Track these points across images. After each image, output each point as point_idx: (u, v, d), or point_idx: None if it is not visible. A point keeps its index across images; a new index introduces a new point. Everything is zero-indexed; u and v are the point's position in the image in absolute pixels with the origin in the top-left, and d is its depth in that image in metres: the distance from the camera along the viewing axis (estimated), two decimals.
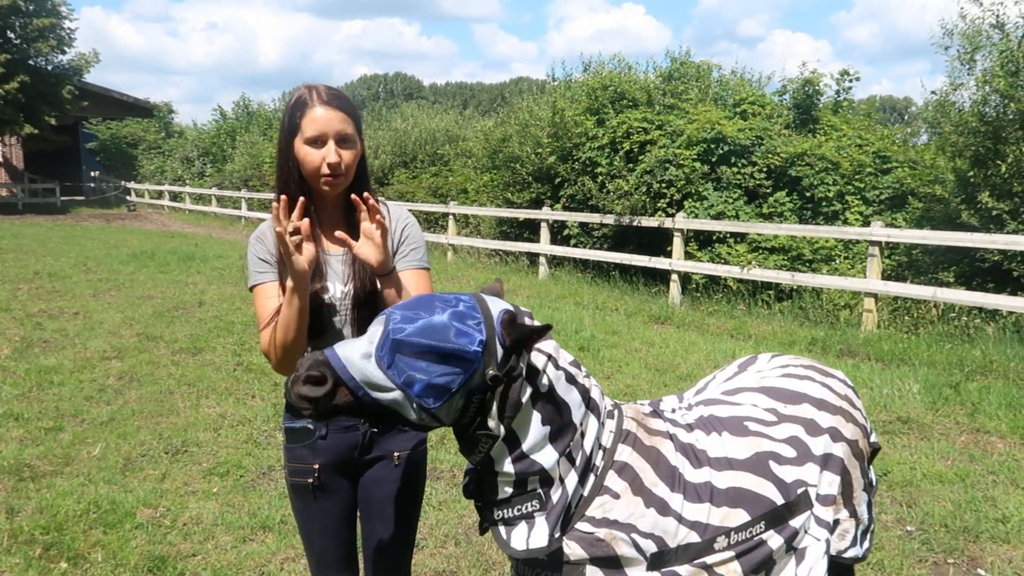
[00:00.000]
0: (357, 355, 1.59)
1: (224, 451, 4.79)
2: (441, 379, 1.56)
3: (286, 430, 2.12)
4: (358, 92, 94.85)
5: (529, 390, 1.67)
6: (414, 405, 1.59)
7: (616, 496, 1.75)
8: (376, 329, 1.63)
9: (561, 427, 1.72)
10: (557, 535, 1.71)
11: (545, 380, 1.69)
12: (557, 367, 1.72)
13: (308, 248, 1.86)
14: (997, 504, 4.13)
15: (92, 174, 35.86)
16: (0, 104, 25.61)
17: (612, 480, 1.77)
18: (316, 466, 2.09)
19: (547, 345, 1.72)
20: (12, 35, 26.97)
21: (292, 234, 1.84)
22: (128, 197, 32.48)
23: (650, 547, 1.75)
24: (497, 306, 1.68)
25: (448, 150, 19.83)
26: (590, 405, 1.78)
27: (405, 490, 2.20)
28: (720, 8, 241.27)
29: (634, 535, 1.73)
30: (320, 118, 1.91)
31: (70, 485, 4.24)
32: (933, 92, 10.37)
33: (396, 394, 1.58)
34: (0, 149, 33.57)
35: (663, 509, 1.77)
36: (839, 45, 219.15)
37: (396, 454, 2.17)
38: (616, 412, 1.88)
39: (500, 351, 1.61)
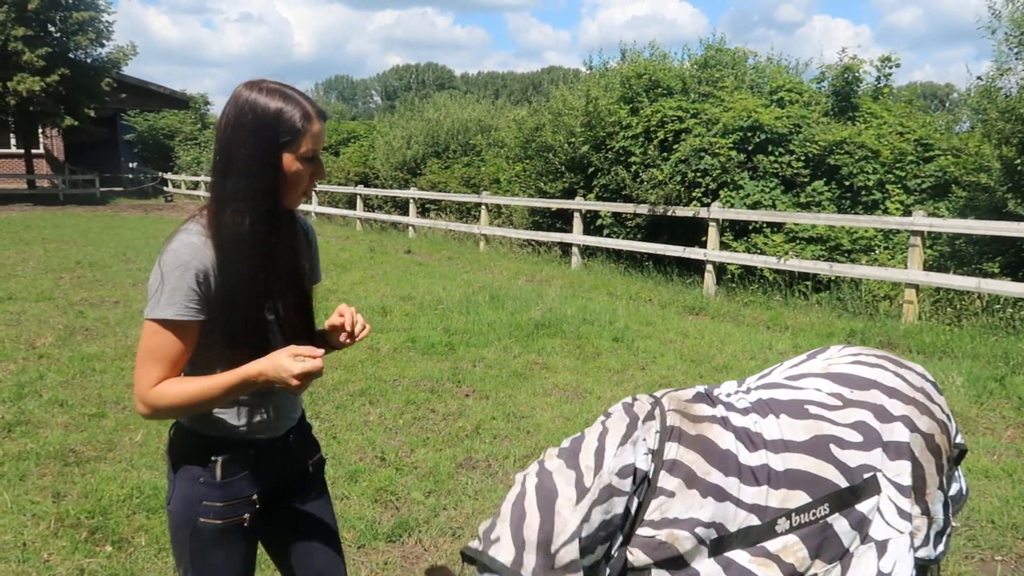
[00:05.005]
0: None
1: None
2: None
3: (223, 463, 1.83)
4: (390, 83, 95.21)
5: None
6: None
7: (671, 494, 1.74)
8: None
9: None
10: (616, 550, 1.73)
11: None
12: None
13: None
14: None
15: (130, 165, 36.47)
16: (41, 97, 26.08)
17: (665, 480, 1.75)
18: (255, 497, 1.87)
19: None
20: (52, 28, 27.46)
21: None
22: (165, 188, 33.00)
23: (711, 535, 1.73)
24: None
25: (480, 140, 19.81)
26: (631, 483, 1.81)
27: (325, 499, 2.11)
28: None
29: (696, 528, 1.72)
30: (319, 134, 1.76)
31: (114, 470, 4.32)
32: (979, 77, 10.09)
33: None
34: (42, 141, 34.26)
35: (720, 495, 1.75)
36: (880, 30, 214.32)
37: (308, 463, 2.07)
38: (656, 410, 1.85)
39: None
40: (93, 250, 13.88)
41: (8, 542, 3.52)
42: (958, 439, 2.09)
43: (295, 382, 1.62)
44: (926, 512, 1.95)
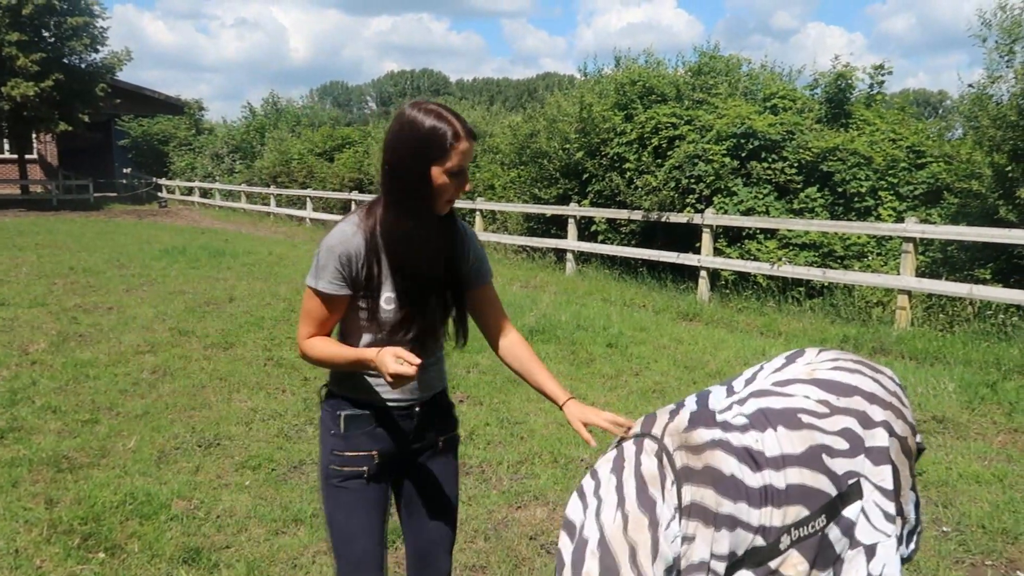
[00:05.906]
0: None
1: (256, 445, 4.83)
2: None
3: (345, 418, 2.14)
4: (385, 89, 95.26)
5: None
6: None
7: (692, 539, 1.75)
8: None
9: None
10: None
11: None
12: None
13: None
14: None
15: (124, 171, 36.37)
16: (35, 102, 26.02)
17: (686, 526, 1.76)
18: (374, 453, 2.14)
19: None
20: (47, 34, 27.40)
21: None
22: (159, 193, 32.94)
23: (724, 565, 1.76)
24: None
25: (475, 146, 19.85)
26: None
27: (450, 475, 2.30)
28: (753, 0, 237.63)
29: (712, 563, 1.74)
30: (467, 151, 2.01)
31: (106, 476, 4.31)
32: (970, 85, 10.16)
33: None
34: (35, 146, 34.16)
35: (732, 524, 1.77)
36: (874, 37, 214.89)
37: (439, 439, 2.27)
38: (665, 458, 1.80)
39: None
40: (86, 256, 13.83)
41: (0, 549, 3.51)
42: (918, 439, 2.15)
43: (389, 379, 1.88)
44: (900, 512, 2.01)
